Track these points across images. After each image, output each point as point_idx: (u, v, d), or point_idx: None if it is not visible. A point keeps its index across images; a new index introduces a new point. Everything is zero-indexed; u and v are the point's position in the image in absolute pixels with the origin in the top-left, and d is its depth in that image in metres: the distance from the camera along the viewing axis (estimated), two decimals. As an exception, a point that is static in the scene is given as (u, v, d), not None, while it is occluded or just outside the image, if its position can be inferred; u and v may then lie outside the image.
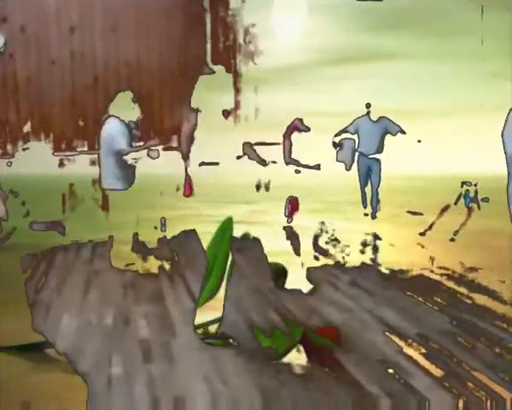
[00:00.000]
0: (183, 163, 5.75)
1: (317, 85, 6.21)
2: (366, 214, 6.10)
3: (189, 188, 5.68)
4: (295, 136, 5.60)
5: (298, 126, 5.61)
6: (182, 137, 5.74)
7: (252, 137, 5.66)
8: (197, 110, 5.70)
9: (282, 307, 4.63)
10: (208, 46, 6.22)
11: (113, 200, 5.79)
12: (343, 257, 5.66)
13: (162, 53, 6.20)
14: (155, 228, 5.82)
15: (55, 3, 5.96)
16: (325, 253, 5.60)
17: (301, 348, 4.03)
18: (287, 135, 5.64)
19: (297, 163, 5.61)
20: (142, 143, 5.77)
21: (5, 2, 5.91)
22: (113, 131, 5.76)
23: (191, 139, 5.75)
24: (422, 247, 5.51)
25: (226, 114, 5.58)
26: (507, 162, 4.80)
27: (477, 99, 5.55)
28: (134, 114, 5.88)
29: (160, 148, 5.79)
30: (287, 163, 5.61)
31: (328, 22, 6.15)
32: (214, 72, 5.93)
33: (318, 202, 5.99)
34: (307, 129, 5.63)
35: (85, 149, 6.11)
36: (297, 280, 5.14)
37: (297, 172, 5.64)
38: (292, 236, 5.68)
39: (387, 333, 4.14)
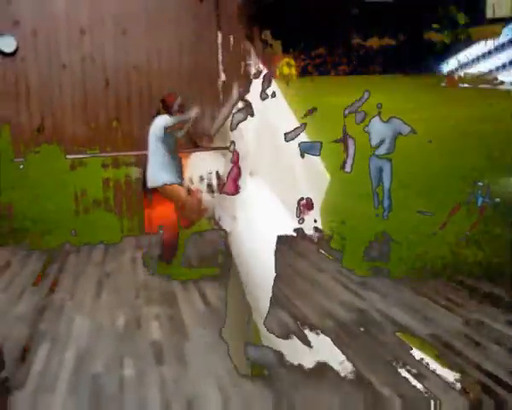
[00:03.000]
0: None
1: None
2: (377, 214, 6.07)
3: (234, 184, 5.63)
4: None
5: None
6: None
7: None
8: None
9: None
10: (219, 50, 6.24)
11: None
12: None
13: (172, 57, 6.20)
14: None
15: (66, 8, 6.00)
16: (337, 253, 5.58)
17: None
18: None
19: None
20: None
21: (17, 7, 5.95)
22: (158, 121, 5.79)
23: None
24: (434, 246, 5.49)
25: None
26: None
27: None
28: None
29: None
30: None
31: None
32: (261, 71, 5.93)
33: (331, 202, 5.97)
34: None
35: (97, 151, 6.13)
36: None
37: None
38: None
39: (399, 333, 4.13)
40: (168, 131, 5.83)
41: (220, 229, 5.95)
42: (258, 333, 4.08)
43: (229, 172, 5.71)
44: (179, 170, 5.92)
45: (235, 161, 5.54)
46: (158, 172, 5.78)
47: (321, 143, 5.12)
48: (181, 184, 5.92)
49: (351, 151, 5.23)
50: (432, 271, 5.30)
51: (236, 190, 5.60)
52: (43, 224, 5.90)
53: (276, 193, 6.02)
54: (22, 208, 5.89)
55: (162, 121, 5.85)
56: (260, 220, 5.87)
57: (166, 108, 5.92)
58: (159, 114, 5.97)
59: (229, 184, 5.63)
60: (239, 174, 5.57)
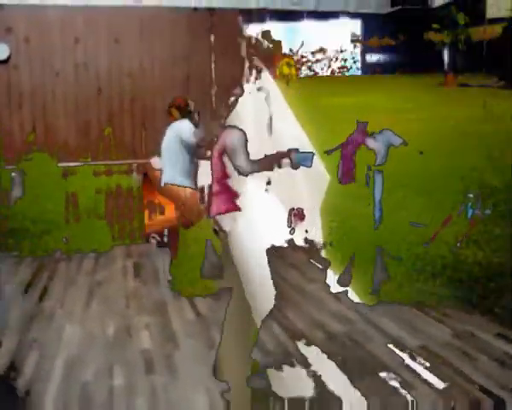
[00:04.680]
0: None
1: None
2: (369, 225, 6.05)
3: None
4: None
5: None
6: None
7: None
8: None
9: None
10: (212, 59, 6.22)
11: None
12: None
13: (166, 65, 6.19)
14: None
15: (60, 15, 5.99)
16: (328, 264, 5.57)
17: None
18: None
19: None
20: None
21: (10, 14, 5.94)
22: (184, 127, 5.51)
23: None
24: (426, 257, 5.47)
25: None
26: None
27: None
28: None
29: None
30: None
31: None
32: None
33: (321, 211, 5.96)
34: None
35: (89, 159, 6.14)
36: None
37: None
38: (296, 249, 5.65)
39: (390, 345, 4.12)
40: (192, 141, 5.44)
41: (220, 229, 5.95)
42: (258, 334, 4.08)
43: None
44: (195, 174, 5.81)
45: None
46: (173, 173, 5.63)
47: (313, 153, 5.07)
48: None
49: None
50: (432, 271, 5.29)
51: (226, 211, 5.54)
52: (35, 232, 5.94)
53: (276, 193, 6.04)
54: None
55: (188, 130, 5.45)
56: (260, 220, 5.88)
57: (182, 112, 5.60)
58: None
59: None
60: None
